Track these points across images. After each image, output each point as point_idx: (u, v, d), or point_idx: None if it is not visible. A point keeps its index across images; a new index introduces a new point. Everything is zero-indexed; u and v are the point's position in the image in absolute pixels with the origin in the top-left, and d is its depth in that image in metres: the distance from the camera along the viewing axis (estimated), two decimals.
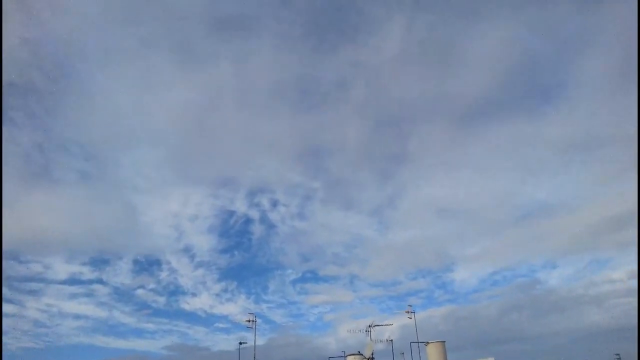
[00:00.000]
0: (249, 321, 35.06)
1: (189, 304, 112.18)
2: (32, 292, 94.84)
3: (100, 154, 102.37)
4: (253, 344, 34.82)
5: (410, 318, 34.19)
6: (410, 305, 33.99)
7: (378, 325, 36.13)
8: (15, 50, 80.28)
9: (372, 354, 33.98)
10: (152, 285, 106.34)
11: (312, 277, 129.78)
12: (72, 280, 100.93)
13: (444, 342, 31.95)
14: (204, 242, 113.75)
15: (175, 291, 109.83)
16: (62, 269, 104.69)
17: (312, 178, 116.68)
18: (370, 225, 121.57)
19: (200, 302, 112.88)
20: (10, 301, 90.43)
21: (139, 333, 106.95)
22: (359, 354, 34.21)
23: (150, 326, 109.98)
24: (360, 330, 35.70)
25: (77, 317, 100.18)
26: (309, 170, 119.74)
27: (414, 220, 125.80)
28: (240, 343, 36.13)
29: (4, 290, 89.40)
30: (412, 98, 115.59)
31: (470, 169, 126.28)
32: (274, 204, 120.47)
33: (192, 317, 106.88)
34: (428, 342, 32.11)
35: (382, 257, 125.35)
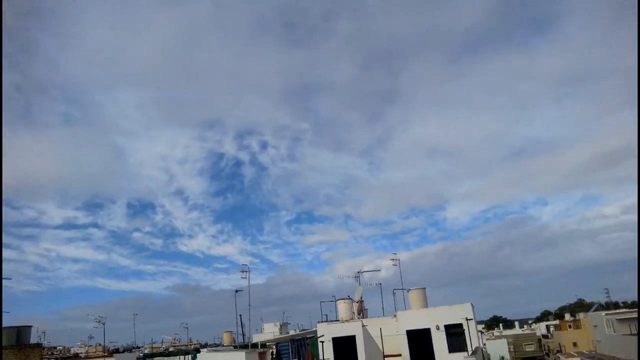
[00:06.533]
0: (242, 272, 36.82)
1: (187, 245, 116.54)
2: (30, 237, 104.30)
3: (81, 97, 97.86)
4: (247, 292, 36.62)
5: (395, 265, 33.04)
6: (395, 254, 32.68)
7: (367, 272, 35.45)
8: None
9: (361, 298, 33.79)
10: (148, 228, 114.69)
11: (307, 217, 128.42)
12: (68, 225, 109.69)
13: (424, 288, 30.35)
14: (196, 185, 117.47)
15: (172, 233, 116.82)
16: (56, 214, 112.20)
17: (301, 118, 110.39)
18: (361, 166, 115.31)
19: (197, 244, 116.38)
20: (8, 246, 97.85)
21: (139, 275, 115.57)
22: (349, 298, 34.03)
23: (150, 268, 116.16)
24: (349, 277, 35.49)
25: (75, 260, 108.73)
26: (297, 110, 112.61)
27: (406, 160, 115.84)
28: (236, 291, 38.83)
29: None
30: (402, 31, 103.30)
31: (462, 107, 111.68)
32: (264, 145, 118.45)
33: (190, 259, 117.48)
34: (410, 289, 30.76)
35: (375, 198, 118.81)
